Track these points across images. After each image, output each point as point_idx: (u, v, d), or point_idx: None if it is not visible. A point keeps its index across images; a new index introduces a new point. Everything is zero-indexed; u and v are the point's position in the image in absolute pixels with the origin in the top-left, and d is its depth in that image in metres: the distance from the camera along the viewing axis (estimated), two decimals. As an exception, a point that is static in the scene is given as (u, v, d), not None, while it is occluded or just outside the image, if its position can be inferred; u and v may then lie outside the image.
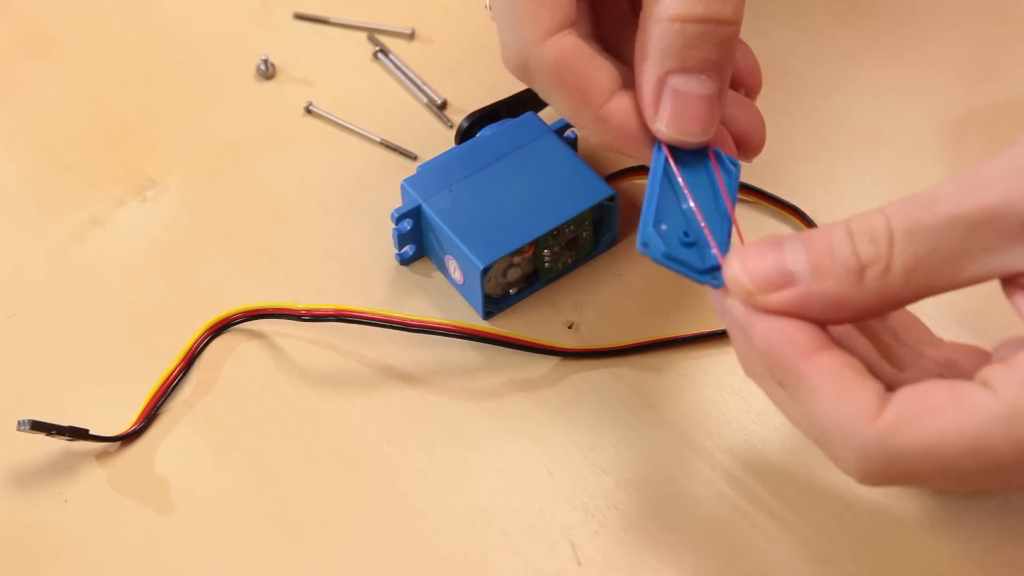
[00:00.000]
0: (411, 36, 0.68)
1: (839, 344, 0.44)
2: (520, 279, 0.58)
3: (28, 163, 0.65)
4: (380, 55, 0.67)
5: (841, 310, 0.44)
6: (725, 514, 0.52)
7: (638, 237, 0.47)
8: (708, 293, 0.47)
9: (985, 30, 0.67)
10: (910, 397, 0.42)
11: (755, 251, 0.45)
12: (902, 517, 0.51)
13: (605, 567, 0.51)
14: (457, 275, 0.58)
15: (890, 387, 0.43)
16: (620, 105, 0.50)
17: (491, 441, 0.55)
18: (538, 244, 0.57)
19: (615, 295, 0.59)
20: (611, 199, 0.57)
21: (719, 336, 0.56)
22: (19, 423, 0.52)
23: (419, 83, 0.66)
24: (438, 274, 0.59)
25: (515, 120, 0.60)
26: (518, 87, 0.61)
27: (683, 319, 0.57)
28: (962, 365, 0.46)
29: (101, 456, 0.55)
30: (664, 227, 0.47)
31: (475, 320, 0.58)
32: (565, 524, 0.52)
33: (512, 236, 0.56)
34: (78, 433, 0.54)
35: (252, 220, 0.62)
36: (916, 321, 0.47)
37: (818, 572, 0.51)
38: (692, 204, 0.48)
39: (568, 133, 0.60)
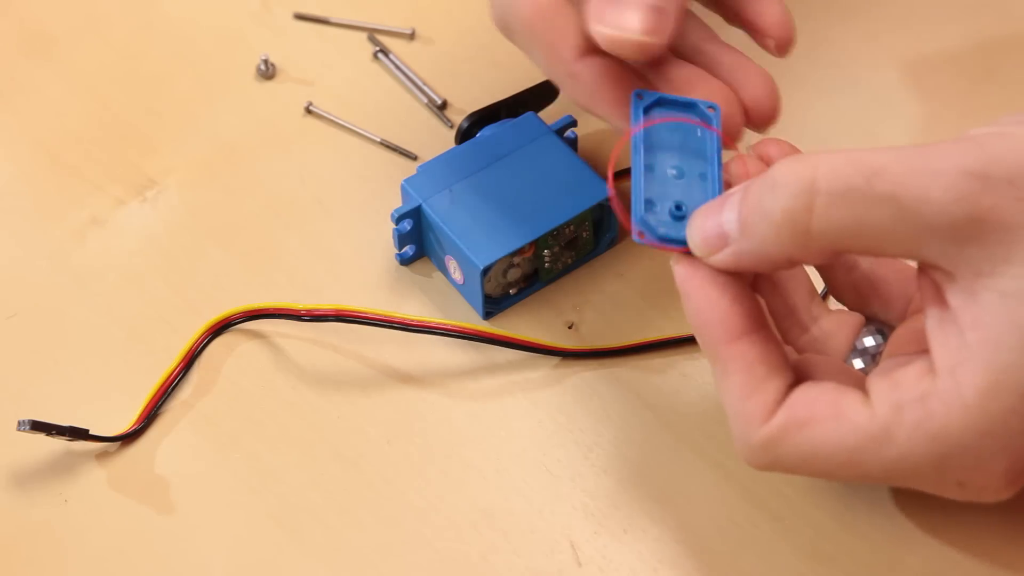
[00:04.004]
0: (411, 36, 0.68)
1: (767, 326, 0.46)
2: (520, 279, 0.58)
3: (28, 163, 0.65)
4: (380, 55, 0.67)
5: (773, 262, 0.45)
6: (725, 514, 0.52)
7: (632, 227, 0.47)
8: None
9: (985, 30, 0.67)
10: (798, 405, 0.45)
11: (703, 212, 0.46)
12: (902, 517, 0.51)
13: (605, 567, 0.51)
14: (457, 275, 0.58)
15: (802, 376, 0.46)
16: (591, 63, 0.50)
17: (491, 441, 0.55)
18: (538, 244, 0.57)
19: (615, 295, 0.59)
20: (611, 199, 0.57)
21: (719, 336, 0.56)
22: (19, 423, 0.52)
23: (419, 83, 0.66)
24: (438, 274, 0.59)
25: (515, 120, 0.60)
26: (518, 87, 0.61)
27: (683, 319, 0.57)
28: (891, 284, 0.49)
29: (101, 456, 0.55)
30: (657, 208, 0.47)
31: (475, 320, 0.58)
32: (565, 524, 0.52)
33: (512, 236, 0.56)
34: (78, 433, 0.54)
35: (252, 220, 0.62)
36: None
37: (818, 572, 0.51)
38: (672, 171, 0.48)
39: (568, 133, 0.60)
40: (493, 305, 0.58)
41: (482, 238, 0.56)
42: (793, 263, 0.45)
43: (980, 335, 0.42)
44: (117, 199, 0.63)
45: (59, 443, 0.55)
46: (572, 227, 0.57)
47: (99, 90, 0.67)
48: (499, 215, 0.57)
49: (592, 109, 0.50)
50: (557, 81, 0.51)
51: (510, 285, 0.58)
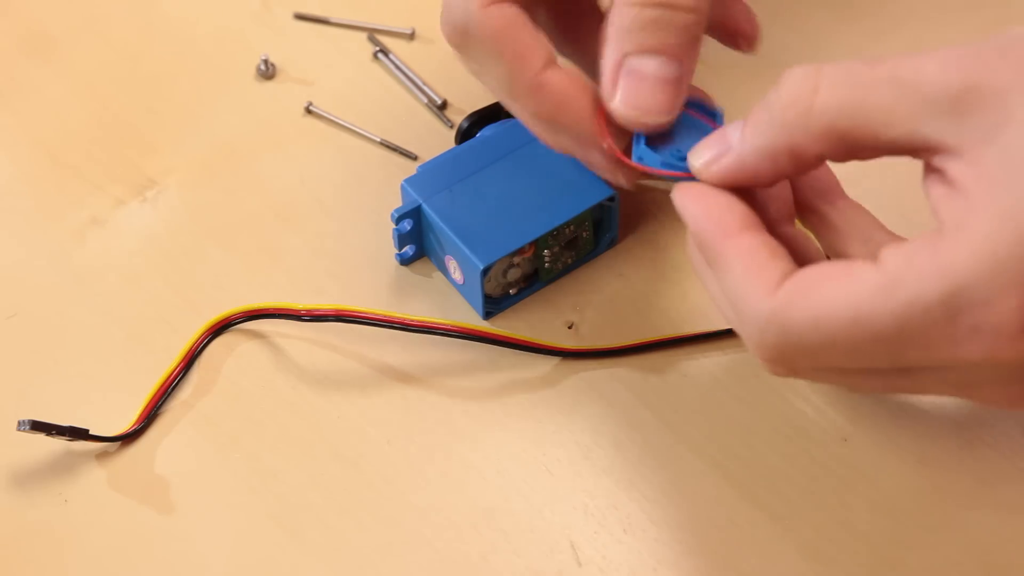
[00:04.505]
0: (411, 36, 0.68)
1: (769, 229, 0.46)
2: (520, 279, 0.58)
3: (28, 163, 0.65)
4: (380, 55, 0.67)
5: (775, 159, 0.45)
6: (725, 514, 0.52)
7: (632, 155, 0.48)
8: None
9: (985, 30, 0.67)
10: (806, 272, 0.44)
11: (708, 138, 0.47)
12: (902, 517, 0.51)
13: (605, 567, 0.51)
14: (457, 275, 0.58)
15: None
16: (557, 73, 0.50)
17: (491, 441, 0.55)
18: (538, 244, 0.57)
19: (615, 295, 0.59)
20: (611, 199, 0.57)
21: (719, 336, 0.56)
22: (19, 423, 0.52)
23: (419, 83, 0.66)
24: (438, 274, 0.59)
25: (515, 120, 0.60)
26: (518, 87, 0.61)
27: (683, 319, 0.57)
28: None
29: (101, 456, 0.55)
30: (659, 147, 0.49)
31: (475, 320, 0.58)
32: (565, 524, 0.52)
33: (512, 236, 0.56)
34: (78, 433, 0.54)
35: (252, 220, 0.62)
36: (864, 212, 0.49)
37: (818, 572, 0.51)
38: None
39: (568, 133, 0.60)
40: (493, 305, 0.58)
41: (482, 238, 0.56)
42: (795, 157, 0.45)
43: (984, 187, 0.42)
44: (117, 199, 0.63)
45: (59, 443, 0.55)
46: (572, 227, 0.58)
47: (99, 90, 0.67)
48: (499, 215, 0.57)
49: (558, 119, 0.51)
50: (517, 94, 0.51)
51: (510, 285, 0.58)
